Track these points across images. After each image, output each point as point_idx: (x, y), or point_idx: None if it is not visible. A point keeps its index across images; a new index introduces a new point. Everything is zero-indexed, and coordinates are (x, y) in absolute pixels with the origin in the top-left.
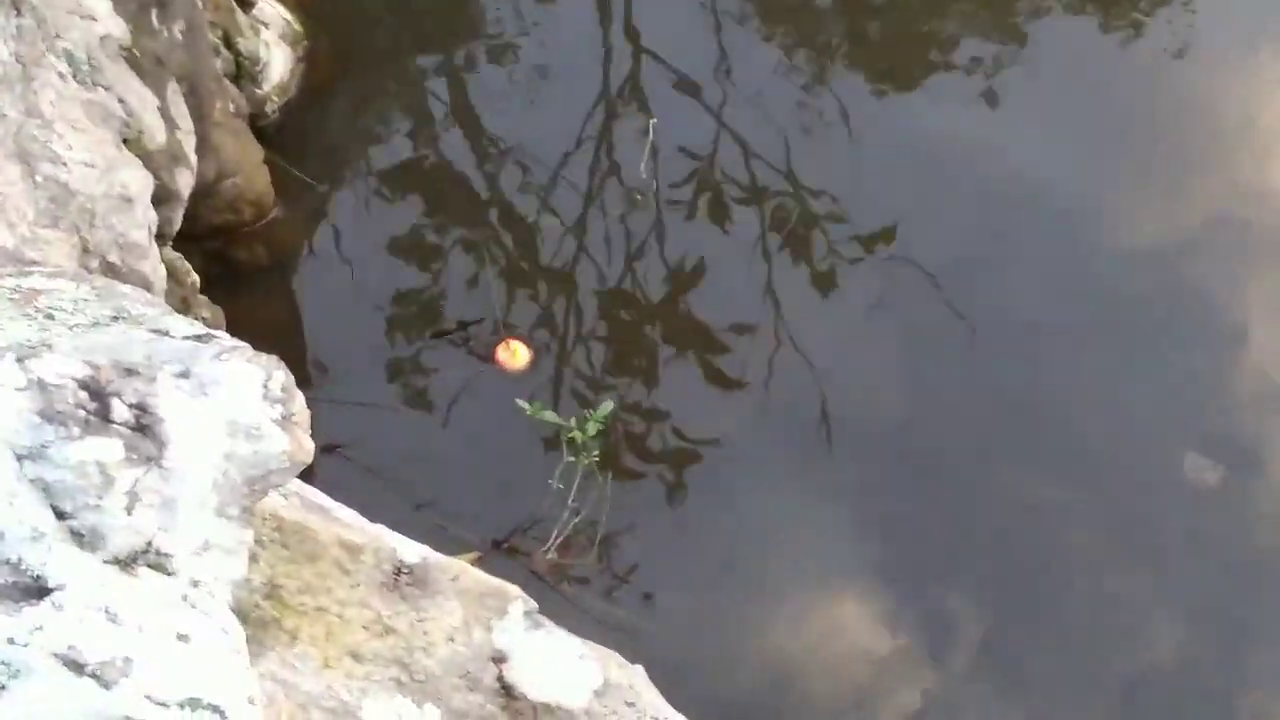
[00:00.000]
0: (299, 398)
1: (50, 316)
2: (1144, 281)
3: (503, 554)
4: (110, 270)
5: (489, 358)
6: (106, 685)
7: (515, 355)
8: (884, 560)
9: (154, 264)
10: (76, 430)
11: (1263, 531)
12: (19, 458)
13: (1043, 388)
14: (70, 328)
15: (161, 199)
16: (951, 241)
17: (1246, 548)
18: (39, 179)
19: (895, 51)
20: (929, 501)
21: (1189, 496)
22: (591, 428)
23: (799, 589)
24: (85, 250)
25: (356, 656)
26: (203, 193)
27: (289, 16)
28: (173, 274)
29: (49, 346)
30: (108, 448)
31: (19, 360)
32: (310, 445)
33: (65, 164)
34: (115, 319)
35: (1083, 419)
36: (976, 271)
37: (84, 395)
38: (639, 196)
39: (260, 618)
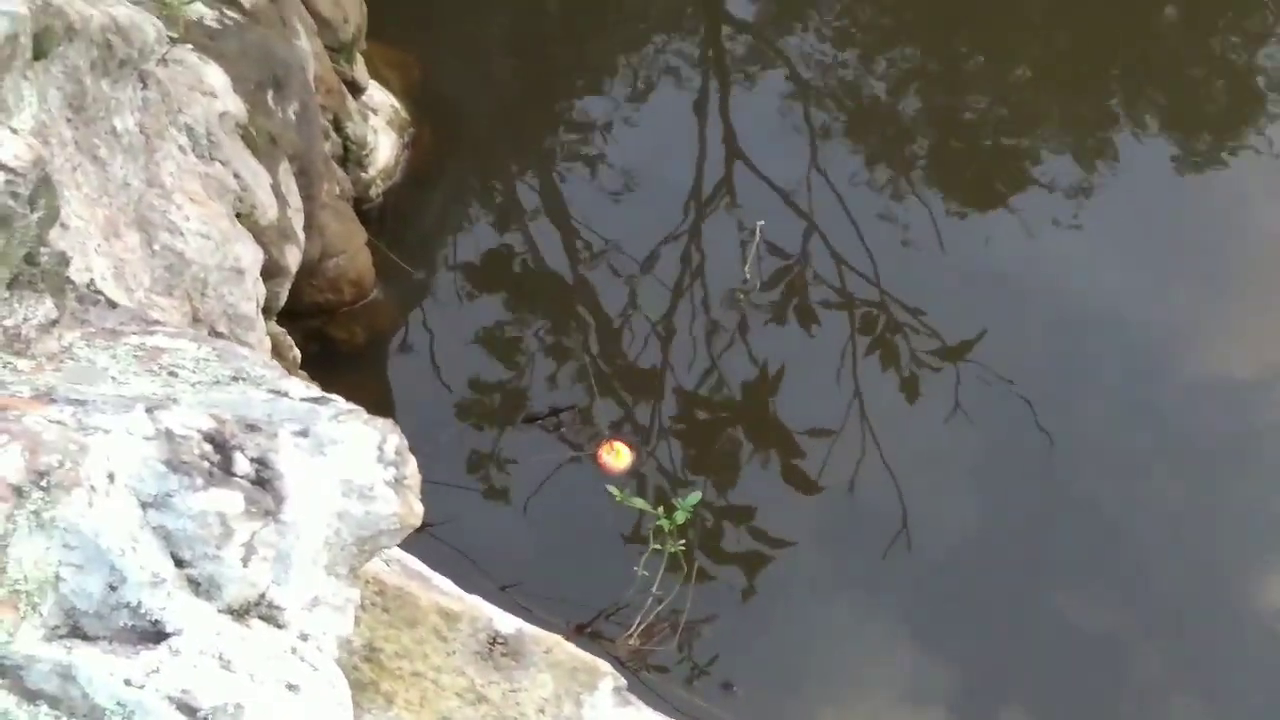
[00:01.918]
0: (412, 462)
1: (174, 374)
2: (1223, 415)
3: (585, 639)
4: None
5: (581, 448)
6: None
7: (619, 456)
8: (946, 678)
9: (260, 336)
10: (200, 481)
11: None
12: (143, 505)
13: (1114, 515)
14: (192, 385)
15: (270, 273)
16: (1030, 361)
17: None
18: (156, 247)
19: (982, 168)
20: (992, 623)
21: (1251, 632)
22: (680, 516)
23: (863, 700)
24: (195, 319)
25: None
26: (307, 271)
27: (397, 104)
28: (276, 347)
29: (175, 400)
30: (229, 499)
31: (148, 410)
32: (420, 509)
33: (182, 234)
34: (235, 379)
35: (1152, 551)
36: (1054, 393)
37: (208, 447)
38: (742, 296)
39: (358, 680)
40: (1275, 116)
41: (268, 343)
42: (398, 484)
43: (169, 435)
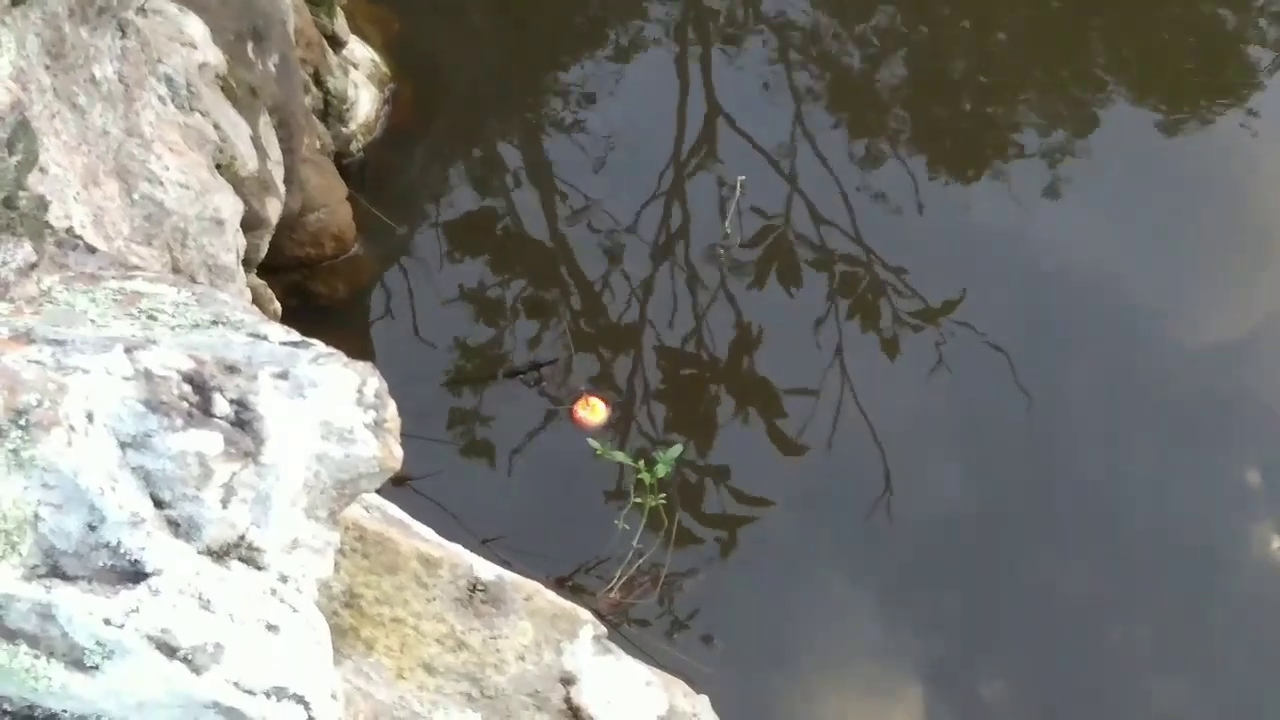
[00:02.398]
0: (391, 405)
1: (153, 318)
2: (1203, 378)
3: (566, 591)
4: None
5: (561, 403)
6: (197, 670)
7: (594, 411)
8: (923, 639)
9: (240, 288)
10: (179, 421)
11: None
12: (122, 445)
13: (1095, 479)
14: (172, 329)
15: (250, 225)
16: (1012, 322)
17: None
18: (136, 196)
19: (965, 133)
20: (974, 587)
21: (1234, 599)
22: (661, 469)
23: (842, 658)
24: (175, 269)
25: (429, 669)
26: (288, 225)
27: (377, 58)
28: (256, 300)
29: (154, 342)
30: (208, 440)
31: (127, 350)
32: (399, 453)
33: (162, 184)
34: (214, 323)
35: (1136, 517)
36: (1036, 355)
37: (187, 388)
38: (722, 252)
39: (338, 625)
40: (1259, 82)
41: (248, 294)
42: (377, 427)
43: (148, 375)
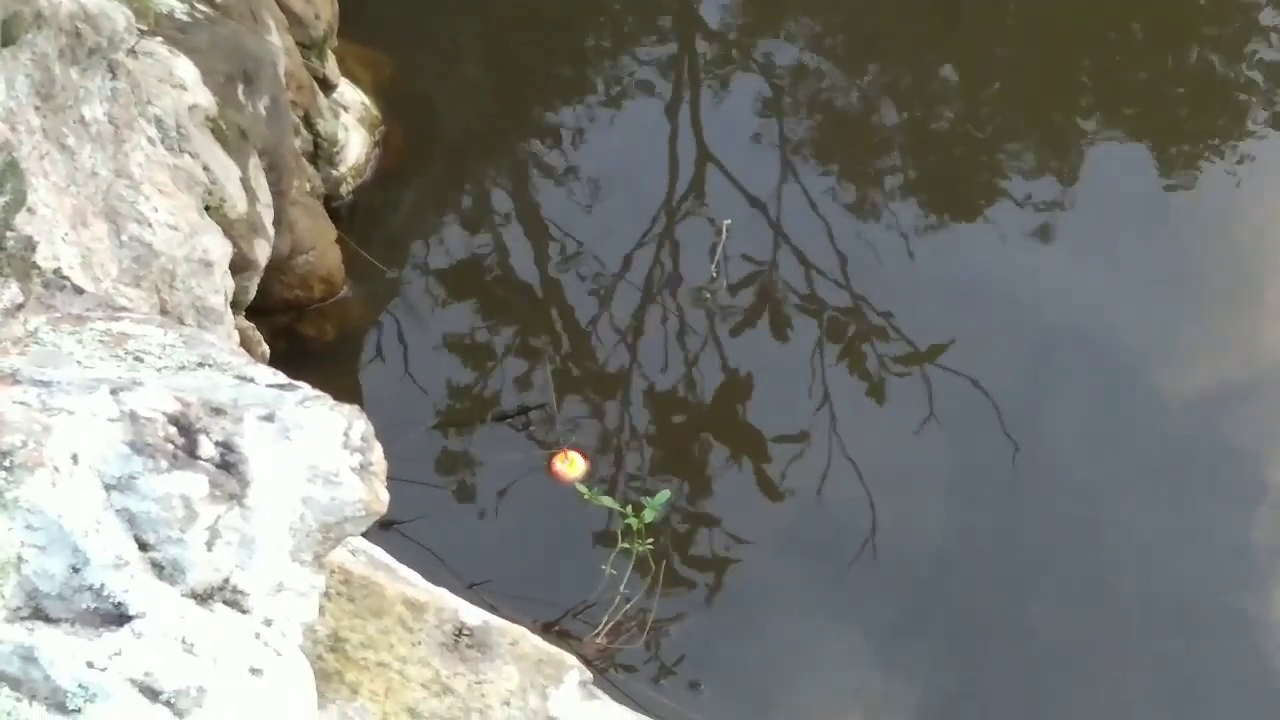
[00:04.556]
0: (378, 448)
1: (139, 359)
2: (1188, 427)
3: (553, 637)
4: None
5: (549, 446)
6: (180, 714)
7: (572, 465)
8: (909, 685)
9: (228, 330)
10: (164, 463)
11: None
12: (107, 486)
13: (1080, 527)
14: (158, 370)
15: (239, 267)
16: (1000, 369)
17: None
18: (124, 238)
19: (954, 180)
20: (958, 632)
21: (1215, 647)
22: (649, 514)
23: (828, 705)
24: (164, 311)
25: (414, 714)
26: (276, 267)
27: (368, 101)
28: (245, 342)
29: (139, 383)
30: (193, 483)
31: (113, 392)
32: (385, 496)
33: (151, 225)
34: (201, 365)
35: (1120, 564)
36: (1023, 402)
37: (173, 430)
38: (708, 295)
39: (323, 669)
40: (1248, 131)
41: (236, 336)
42: (363, 470)
43: (133, 417)
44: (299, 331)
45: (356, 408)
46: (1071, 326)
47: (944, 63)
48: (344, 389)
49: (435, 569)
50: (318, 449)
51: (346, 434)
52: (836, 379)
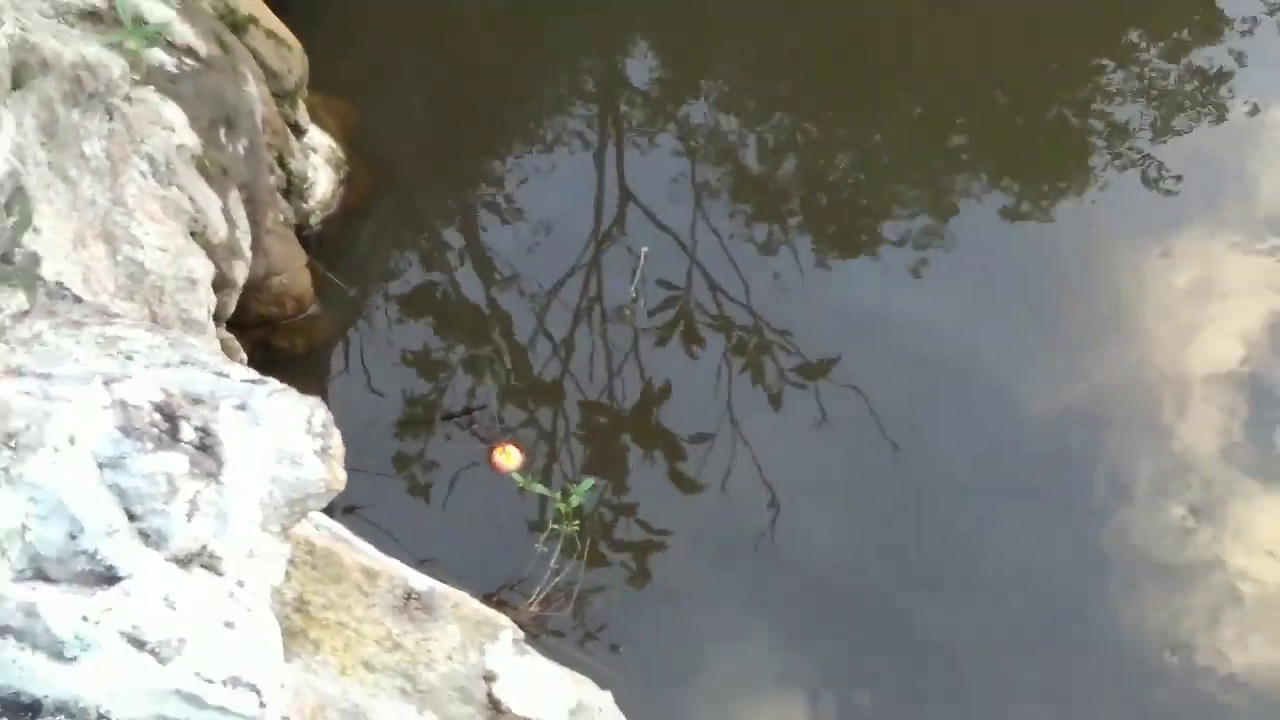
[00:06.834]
0: (337, 434)
1: (129, 358)
2: (1048, 439)
3: (492, 605)
4: None
5: (491, 442)
6: (163, 661)
7: (509, 458)
8: (804, 660)
9: (210, 339)
10: (150, 445)
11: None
12: (100, 465)
13: (958, 523)
14: (146, 367)
15: (220, 285)
16: (881, 385)
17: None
18: (120, 258)
19: (844, 219)
20: (848, 611)
21: (1086, 639)
22: (575, 499)
23: (734, 667)
24: (154, 323)
25: (369, 666)
26: (253, 287)
27: (334, 145)
28: (226, 350)
29: (129, 376)
30: (175, 462)
31: (105, 383)
32: (343, 476)
33: (143, 247)
34: (184, 363)
35: (986, 559)
36: (901, 413)
37: (158, 416)
38: (627, 312)
39: (290, 628)
40: (1092, 176)
41: (217, 345)
42: (324, 453)
43: (123, 405)
44: (273, 343)
45: (318, 399)
46: (945, 349)
47: (837, 119)
48: (312, 393)
49: (390, 547)
50: (284, 434)
51: (309, 421)
52: (740, 389)
